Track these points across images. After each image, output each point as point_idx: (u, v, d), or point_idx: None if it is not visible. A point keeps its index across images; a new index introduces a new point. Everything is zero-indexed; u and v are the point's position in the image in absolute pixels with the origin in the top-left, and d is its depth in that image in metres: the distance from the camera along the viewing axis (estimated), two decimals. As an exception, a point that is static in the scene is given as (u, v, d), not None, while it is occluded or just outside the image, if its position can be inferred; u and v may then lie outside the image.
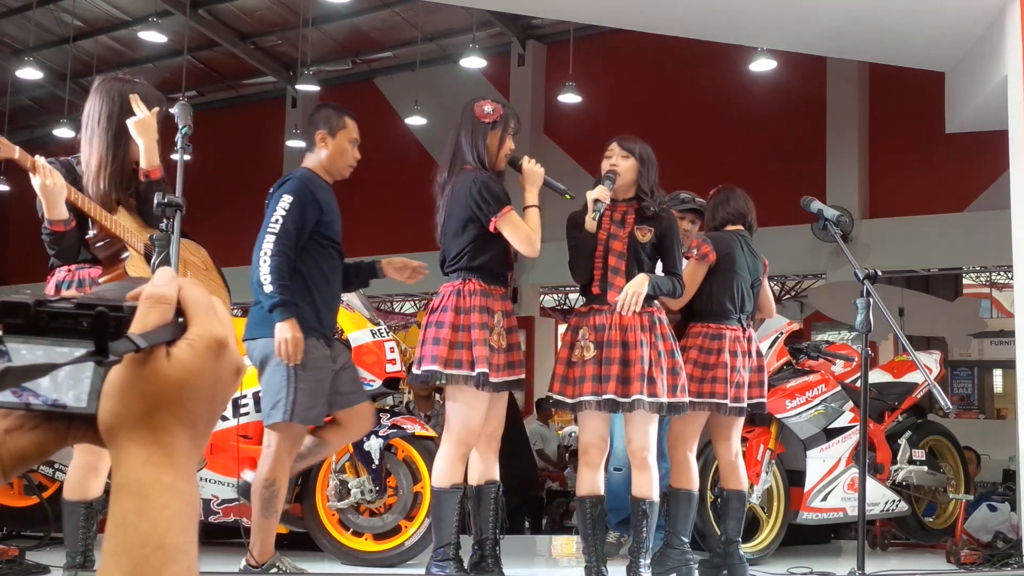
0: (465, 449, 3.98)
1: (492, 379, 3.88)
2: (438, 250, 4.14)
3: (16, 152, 3.41)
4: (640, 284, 4.00)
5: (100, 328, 0.66)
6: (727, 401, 4.38)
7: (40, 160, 3.42)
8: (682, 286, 4.22)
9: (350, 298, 4.81)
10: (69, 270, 3.72)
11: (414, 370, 4.02)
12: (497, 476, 4.15)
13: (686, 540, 4.44)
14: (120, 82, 3.79)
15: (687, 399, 4.12)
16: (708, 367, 4.40)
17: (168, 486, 0.67)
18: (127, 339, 0.66)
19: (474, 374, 3.86)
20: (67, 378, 0.67)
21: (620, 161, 4.17)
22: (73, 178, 3.64)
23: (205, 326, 0.70)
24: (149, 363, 0.67)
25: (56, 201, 3.46)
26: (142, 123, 3.59)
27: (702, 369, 4.40)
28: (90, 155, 3.69)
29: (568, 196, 4.11)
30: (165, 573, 0.64)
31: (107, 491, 3.94)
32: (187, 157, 3.54)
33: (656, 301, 4.20)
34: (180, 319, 0.69)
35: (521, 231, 3.92)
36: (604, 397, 3.98)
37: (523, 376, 4.07)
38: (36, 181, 3.43)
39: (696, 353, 4.43)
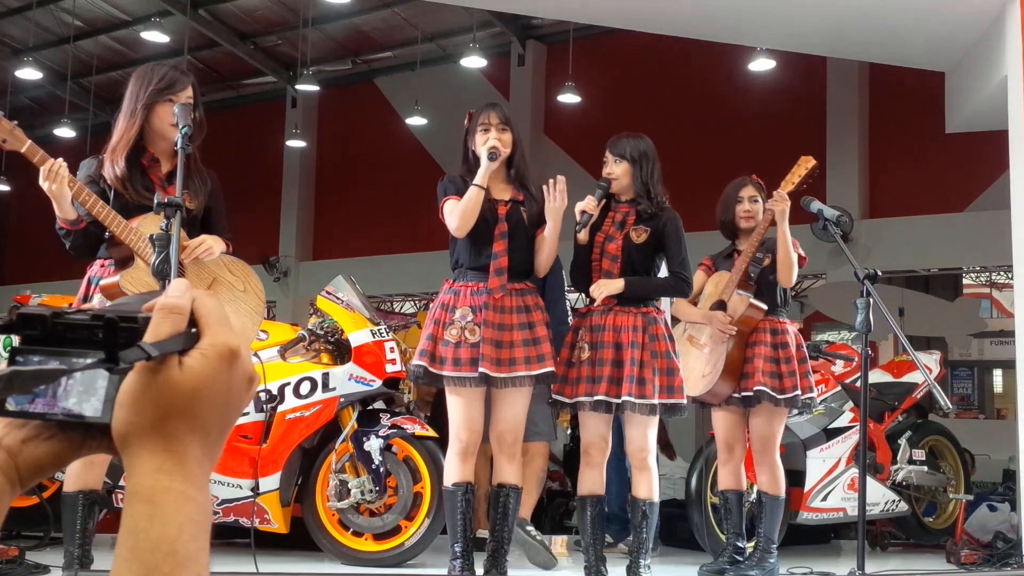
0: (458, 445, 3.97)
1: (440, 371, 3.91)
2: (436, 250, 4.21)
3: (25, 146, 3.40)
4: (610, 284, 4.08)
5: (111, 336, 0.68)
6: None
7: (50, 161, 3.40)
8: (688, 284, 4.24)
9: (350, 298, 4.81)
10: (102, 265, 3.71)
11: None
12: (509, 479, 4.05)
13: (775, 544, 4.57)
14: (153, 68, 3.80)
15: (684, 400, 4.12)
16: (788, 361, 4.53)
17: (179, 493, 0.68)
18: (138, 348, 0.67)
19: (415, 365, 3.98)
20: (83, 388, 0.68)
21: (613, 168, 4.19)
22: (99, 176, 3.63)
23: (218, 336, 0.71)
24: (161, 372, 0.68)
25: (58, 202, 3.45)
26: None
27: (785, 364, 4.52)
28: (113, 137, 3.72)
29: (490, 157, 3.97)
30: None
31: (107, 490, 3.94)
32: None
33: (655, 302, 4.21)
34: (193, 329, 0.71)
35: (450, 213, 3.98)
36: (595, 398, 4.00)
37: (517, 373, 3.93)
38: (43, 185, 3.43)
39: (773, 350, 4.53)
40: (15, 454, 0.71)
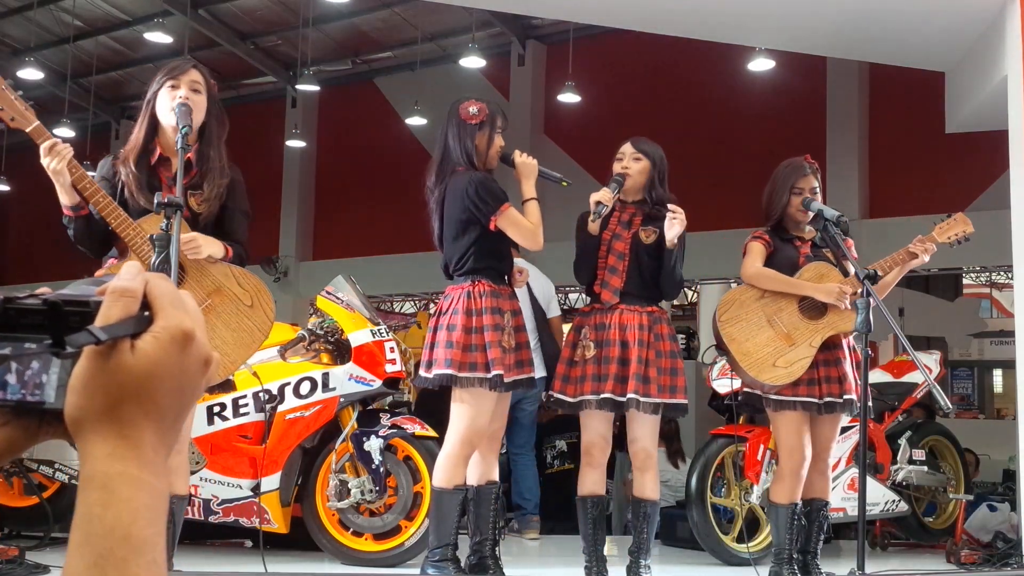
0: (470, 450, 3.97)
1: (504, 380, 3.91)
2: (436, 251, 4.14)
3: (32, 125, 3.38)
4: (677, 227, 4.02)
5: (56, 320, 0.67)
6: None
7: (53, 142, 3.34)
8: (680, 288, 4.25)
9: (350, 298, 4.81)
10: (111, 266, 3.65)
11: (423, 372, 3.96)
12: (497, 476, 4.15)
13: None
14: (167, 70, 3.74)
15: (685, 400, 4.11)
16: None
17: (133, 478, 0.66)
18: (87, 331, 0.66)
19: (490, 376, 3.84)
20: (35, 374, 0.67)
21: (632, 164, 4.16)
22: (114, 175, 3.59)
23: (171, 319, 0.69)
24: (113, 356, 0.67)
25: (57, 182, 3.40)
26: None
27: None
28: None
29: (564, 183, 4.11)
30: (130, 564, 0.64)
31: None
32: (187, 157, 3.53)
33: (659, 302, 4.21)
34: (147, 312, 0.69)
35: (523, 226, 3.92)
36: (602, 396, 3.99)
37: (532, 374, 4.07)
38: (44, 162, 3.36)
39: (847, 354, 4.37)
40: None
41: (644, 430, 4.07)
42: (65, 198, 3.45)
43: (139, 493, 0.66)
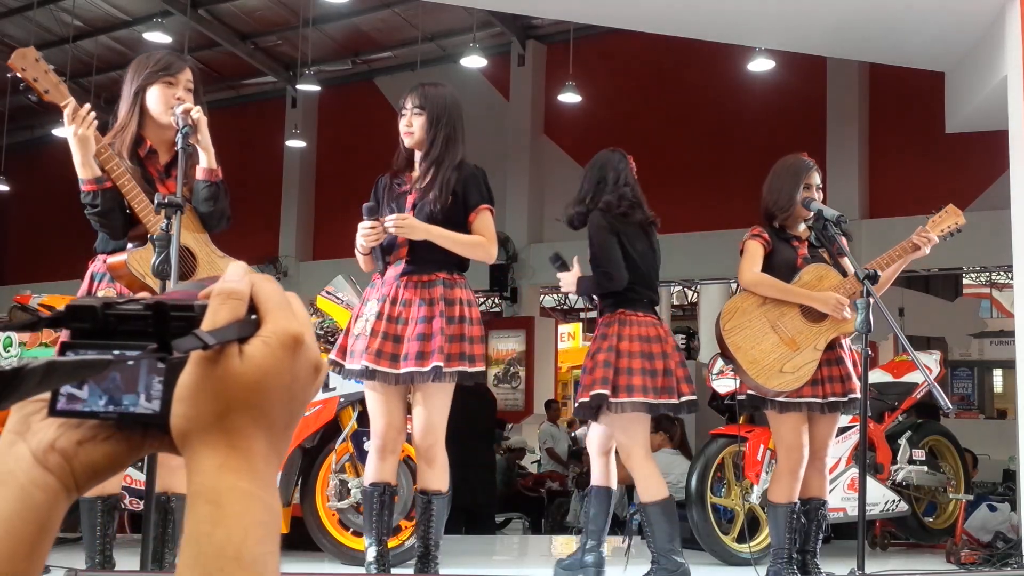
0: (376, 443, 3.79)
1: (342, 362, 3.76)
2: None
3: (66, 100, 3.31)
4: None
5: (161, 323, 0.63)
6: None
7: (75, 105, 3.30)
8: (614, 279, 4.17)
9: (350, 298, 4.81)
10: (105, 260, 3.62)
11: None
12: (430, 484, 3.79)
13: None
14: (150, 54, 3.70)
15: (675, 401, 4.11)
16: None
17: (245, 492, 0.63)
18: (194, 336, 0.62)
19: (329, 359, 3.82)
20: (140, 383, 0.64)
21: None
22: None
23: (280, 322, 0.65)
24: (221, 362, 0.63)
25: (83, 150, 3.33)
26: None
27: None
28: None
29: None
30: None
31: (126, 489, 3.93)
32: (174, 152, 3.52)
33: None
34: (253, 316, 0.65)
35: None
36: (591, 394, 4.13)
37: (403, 369, 3.67)
38: (68, 130, 3.31)
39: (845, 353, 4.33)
40: (70, 457, 0.65)
41: (635, 430, 4.16)
42: (86, 171, 3.37)
43: (250, 508, 0.63)
